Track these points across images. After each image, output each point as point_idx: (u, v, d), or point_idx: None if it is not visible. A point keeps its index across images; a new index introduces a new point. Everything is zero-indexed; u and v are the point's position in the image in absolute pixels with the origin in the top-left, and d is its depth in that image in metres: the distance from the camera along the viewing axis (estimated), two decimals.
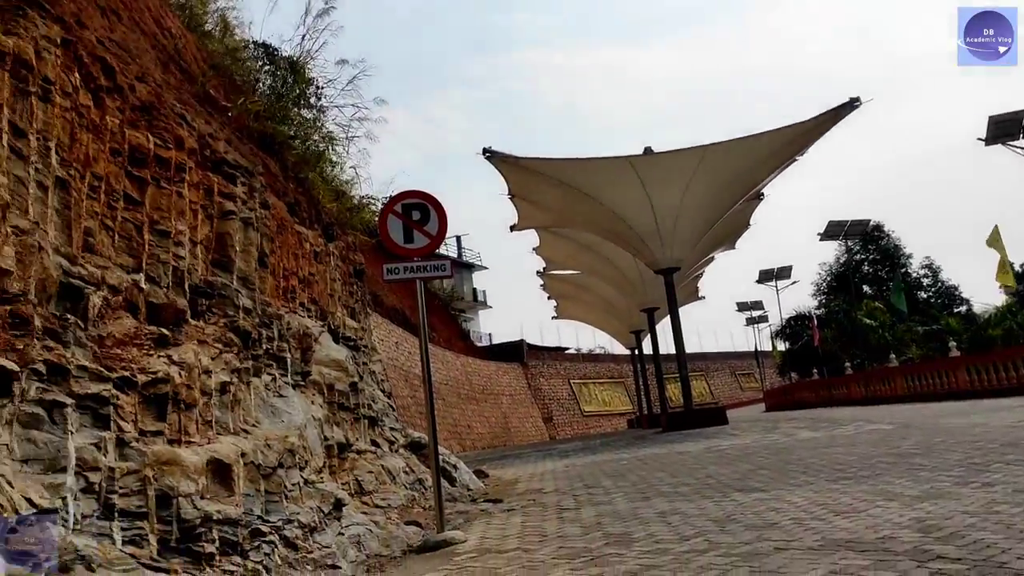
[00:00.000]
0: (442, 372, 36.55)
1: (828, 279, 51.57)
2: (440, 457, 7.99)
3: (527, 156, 25.32)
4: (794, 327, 47.39)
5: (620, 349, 58.20)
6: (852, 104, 22.47)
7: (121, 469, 4.20)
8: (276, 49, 13.42)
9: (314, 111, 13.41)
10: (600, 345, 67.89)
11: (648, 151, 24.29)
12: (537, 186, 26.69)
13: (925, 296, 47.52)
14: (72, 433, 3.95)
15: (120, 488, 4.16)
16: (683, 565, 4.51)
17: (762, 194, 30.32)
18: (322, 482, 6.63)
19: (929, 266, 50.21)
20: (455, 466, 10.81)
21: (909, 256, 50.42)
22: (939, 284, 49.59)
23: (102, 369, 4.34)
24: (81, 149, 4.81)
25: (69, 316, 4.26)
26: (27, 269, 3.92)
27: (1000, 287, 27.67)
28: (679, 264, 26.61)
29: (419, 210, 6.98)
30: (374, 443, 9.22)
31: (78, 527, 3.83)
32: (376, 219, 10.75)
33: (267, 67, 13.10)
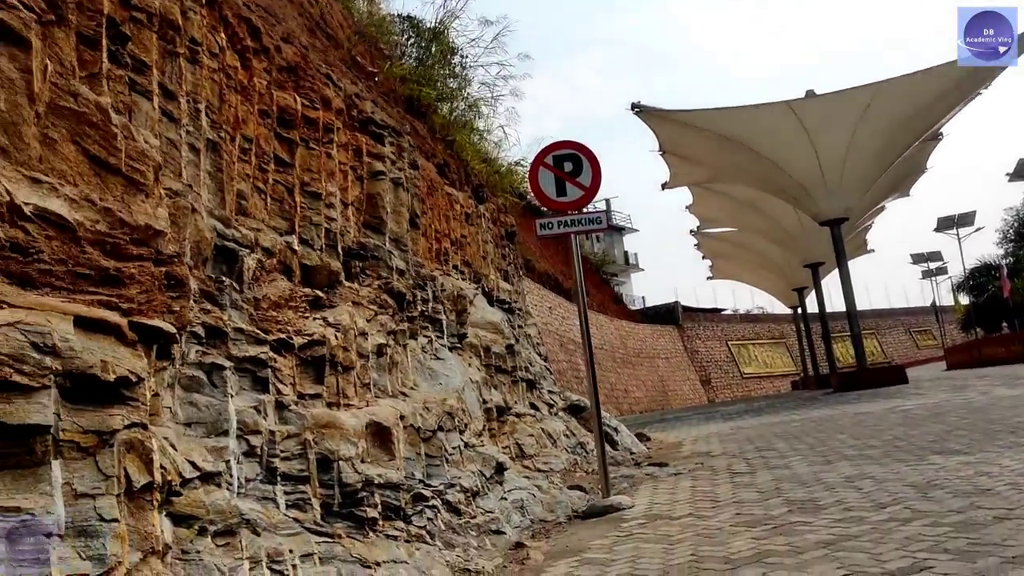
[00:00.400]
0: (597, 336, 36.24)
1: (1015, 225, 47.02)
2: (601, 420, 7.68)
3: (678, 108, 24.35)
4: (978, 278, 43.55)
5: (780, 308, 55.75)
6: None
7: (281, 432, 4.13)
8: (419, 20, 13.41)
9: (458, 80, 13.32)
10: (758, 305, 65.36)
11: (810, 94, 22.71)
12: (690, 140, 25.62)
13: None
14: (232, 396, 3.90)
15: (281, 452, 4.09)
16: (884, 535, 3.98)
17: (940, 134, 27.76)
18: (482, 445, 6.47)
19: None
20: (616, 429, 10.49)
21: None
22: None
23: (259, 332, 4.28)
24: (230, 111, 4.76)
25: (224, 279, 4.21)
26: (181, 231, 3.87)
27: None
28: (846, 214, 24.84)
29: (571, 161, 6.61)
30: (533, 406, 9.04)
31: (242, 491, 3.78)
32: (526, 182, 10.46)
33: (412, 39, 13.10)
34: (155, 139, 3.87)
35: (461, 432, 6.10)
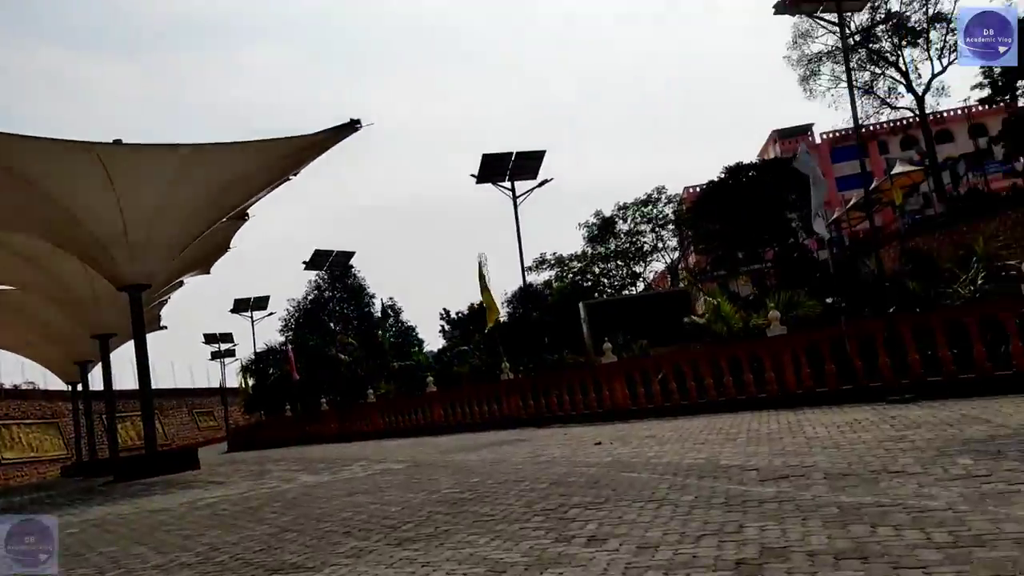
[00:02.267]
0: None
1: (297, 315, 50.99)
2: None
3: None
4: (267, 361, 45.35)
5: (56, 383, 49.43)
6: (353, 125, 21.34)
7: None
8: None
9: None
10: (29, 380, 57.08)
11: (118, 142, 20.12)
12: None
13: (387, 335, 49.65)
14: None
15: None
16: None
17: (247, 214, 27.87)
18: None
19: (392, 306, 52.90)
20: None
21: (372, 296, 52.68)
22: (400, 324, 52.42)
23: None
24: None
25: None
26: None
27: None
28: (150, 281, 22.57)
29: None
30: None
31: None
32: None
33: None
34: None
35: None
